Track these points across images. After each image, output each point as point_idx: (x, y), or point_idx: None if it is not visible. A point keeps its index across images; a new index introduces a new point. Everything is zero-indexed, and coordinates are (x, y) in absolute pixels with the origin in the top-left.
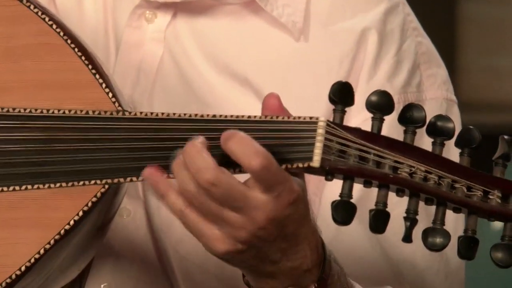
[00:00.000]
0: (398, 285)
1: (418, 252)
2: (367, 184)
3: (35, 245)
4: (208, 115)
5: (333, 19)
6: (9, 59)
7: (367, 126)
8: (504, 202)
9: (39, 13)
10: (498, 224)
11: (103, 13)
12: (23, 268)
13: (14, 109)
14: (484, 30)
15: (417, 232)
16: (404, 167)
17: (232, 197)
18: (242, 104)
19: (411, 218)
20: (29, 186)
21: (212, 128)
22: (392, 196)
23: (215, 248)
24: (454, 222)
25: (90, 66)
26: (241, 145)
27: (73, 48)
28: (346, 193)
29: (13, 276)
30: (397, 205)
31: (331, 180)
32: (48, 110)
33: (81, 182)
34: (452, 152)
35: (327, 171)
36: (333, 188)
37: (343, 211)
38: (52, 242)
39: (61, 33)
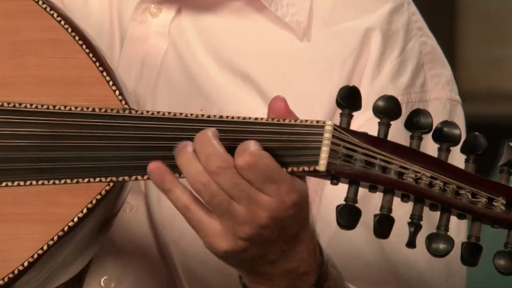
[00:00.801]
0: (398, 286)
1: (419, 252)
2: (373, 188)
3: (39, 241)
4: (214, 116)
5: (337, 19)
6: (16, 54)
7: (370, 126)
8: (508, 209)
9: (48, 9)
10: None
11: (108, 7)
12: (26, 264)
13: (20, 104)
14: (484, 20)
15: (419, 235)
16: (410, 172)
17: (242, 188)
18: (244, 101)
19: (415, 224)
20: (34, 182)
21: (219, 129)
22: (394, 198)
23: (216, 244)
24: (457, 226)
25: (97, 63)
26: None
27: (81, 45)
28: (352, 198)
29: (16, 271)
30: (398, 207)
31: (336, 184)
32: (54, 106)
33: (86, 179)
34: (457, 158)
35: (333, 175)
36: (334, 187)
37: (348, 216)
38: (55, 238)
39: (69, 29)
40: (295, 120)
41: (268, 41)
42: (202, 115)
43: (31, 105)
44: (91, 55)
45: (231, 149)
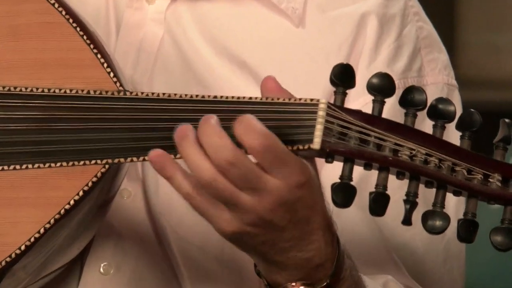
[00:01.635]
0: (397, 270)
1: (417, 237)
2: (368, 166)
3: (35, 224)
4: (209, 96)
5: (332, 5)
6: (11, 38)
7: (367, 111)
8: (504, 185)
9: None
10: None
11: None
12: (23, 247)
13: (15, 88)
14: (484, 6)
15: (416, 218)
16: (405, 149)
17: (249, 179)
18: (241, 87)
19: (411, 201)
20: (30, 165)
21: (214, 109)
22: (391, 182)
23: (223, 227)
24: (455, 207)
25: (91, 46)
26: (243, 125)
27: (75, 28)
28: (347, 175)
29: (13, 255)
30: (396, 190)
31: (331, 162)
32: (49, 89)
33: (82, 162)
34: (452, 135)
35: (328, 153)
36: (331, 168)
37: (343, 194)
38: (52, 221)
39: (63, 12)
40: (289, 99)
41: (264, 28)
42: (197, 96)
43: (26, 88)
44: (85, 37)
45: (226, 129)
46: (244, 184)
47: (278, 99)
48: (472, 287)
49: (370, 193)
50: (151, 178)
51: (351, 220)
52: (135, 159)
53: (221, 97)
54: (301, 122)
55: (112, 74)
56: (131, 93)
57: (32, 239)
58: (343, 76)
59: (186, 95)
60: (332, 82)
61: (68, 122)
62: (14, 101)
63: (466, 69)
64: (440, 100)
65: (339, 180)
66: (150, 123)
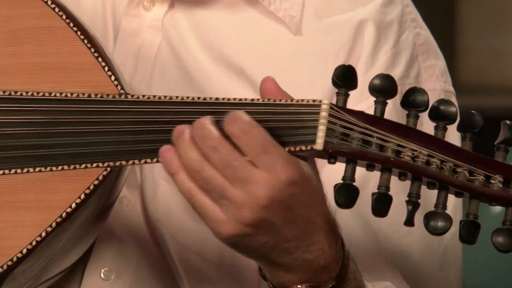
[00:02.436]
0: (394, 276)
1: (414, 243)
2: (370, 167)
3: (37, 228)
4: (211, 98)
5: (329, 12)
6: (11, 42)
7: None
8: (506, 186)
9: None
10: (498, 208)
11: (101, 1)
12: (24, 251)
13: (16, 92)
14: (484, 11)
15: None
16: (407, 150)
17: (233, 166)
18: (238, 94)
19: (413, 202)
20: (31, 169)
21: (215, 111)
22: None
23: (220, 229)
24: (452, 212)
25: (92, 49)
26: (230, 116)
27: (76, 31)
28: (349, 176)
29: (14, 259)
30: (394, 196)
31: (334, 163)
32: (50, 93)
33: (83, 165)
34: (454, 137)
35: (330, 154)
36: (331, 168)
37: (346, 194)
38: (53, 225)
39: (64, 16)
40: (291, 100)
41: (261, 35)
42: (198, 98)
43: (26, 92)
44: (86, 41)
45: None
46: (230, 173)
47: (280, 100)
48: None
49: (373, 194)
50: (150, 186)
51: (346, 224)
52: (136, 161)
53: (223, 99)
54: (304, 123)
55: (113, 77)
56: (132, 96)
57: (34, 243)
58: (345, 77)
59: (187, 97)
60: (334, 83)
61: (69, 126)
62: (15, 106)
63: (466, 74)
64: (441, 101)
65: (341, 181)
66: (151, 125)
